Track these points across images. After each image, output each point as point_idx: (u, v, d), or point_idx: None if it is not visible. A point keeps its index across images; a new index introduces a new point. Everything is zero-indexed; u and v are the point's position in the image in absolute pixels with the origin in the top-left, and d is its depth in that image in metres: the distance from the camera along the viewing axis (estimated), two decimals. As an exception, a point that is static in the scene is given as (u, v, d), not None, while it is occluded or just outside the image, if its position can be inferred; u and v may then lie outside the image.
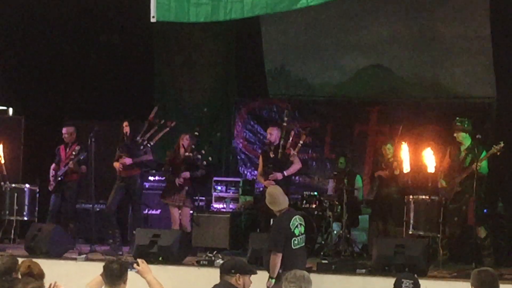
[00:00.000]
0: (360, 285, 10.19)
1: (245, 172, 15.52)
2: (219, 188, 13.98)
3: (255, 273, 6.77)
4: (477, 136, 11.04)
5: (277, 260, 8.60)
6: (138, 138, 12.33)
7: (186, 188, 12.16)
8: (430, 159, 11.15)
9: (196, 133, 12.35)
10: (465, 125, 11.24)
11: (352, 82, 15.19)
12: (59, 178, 12.61)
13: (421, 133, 13.00)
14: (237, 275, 6.56)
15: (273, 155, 11.92)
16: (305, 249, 9.01)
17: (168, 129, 12.49)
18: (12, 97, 14.86)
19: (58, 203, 12.73)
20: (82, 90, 15.37)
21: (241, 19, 9.79)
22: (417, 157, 11.64)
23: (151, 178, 14.13)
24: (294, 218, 8.81)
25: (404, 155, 11.72)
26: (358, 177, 13.43)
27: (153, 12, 9.17)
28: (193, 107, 15.45)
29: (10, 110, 15.06)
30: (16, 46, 14.91)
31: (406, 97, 14.88)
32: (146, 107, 12.74)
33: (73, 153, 12.57)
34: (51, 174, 12.69)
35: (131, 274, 6.78)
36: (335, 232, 12.62)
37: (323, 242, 12.72)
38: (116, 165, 12.34)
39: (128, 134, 12.34)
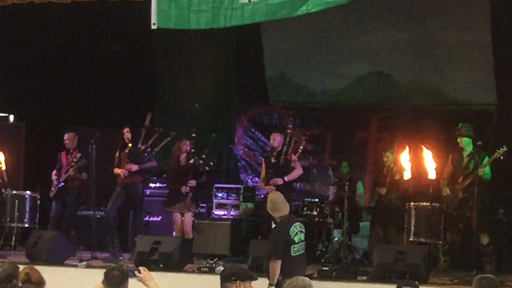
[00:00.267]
0: (361, 292, 10.20)
1: (246, 179, 15.52)
2: (220, 195, 13.98)
3: (256, 279, 6.76)
4: (478, 143, 11.05)
5: (276, 267, 8.59)
6: (139, 145, 12.34)
7: (190, 194, 12.16)
8: (431, 165, 11.14)
9: (193, 135, 12.35)
10: (469, 131, 11.25)
11: (353, 89, 15.20)
12: (60, 185, 12.62)
13: (422, 140, 12.98)
14: (238, 282, 6.55)
15: (275, 161, 11.94)
16: (305, 256, 9.00)
17: (170, 138, 12.53)
18: (13, 104, 14.86)
19: (59, 210, 12.74)
20: (83, 97, 15.38)
21: (242, 26, 9.83)
22: (418, 164, 11.63)
23: (152, 185, 14.13)
24: (294, 225, 8.80)
25: (404, 162, 11.72)
26: (359, 184, 13.44)
27: (154, 19, 9.20)
28: (194, 114, 15.45)
29: (11, 117, 15.07)
30: (17, 53, 14.92)
31: (406, 104, 14.89)
32: (147, 113, 12.74)
33: (74, 159, 12.57)
34: (54, 180, 12.69)
35: (132, 281, 6.78)
36: (336, 239, 12.62)
37: (324, 249, 12.72)
38: (118, 171, 12.34)
39: (129, 140, 12.34)
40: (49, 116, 15.04)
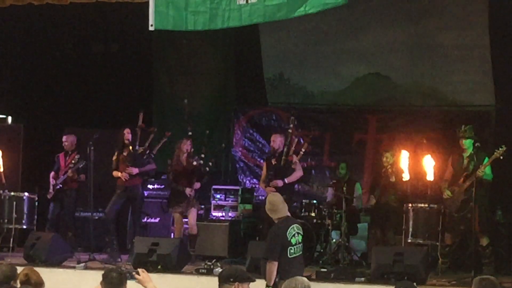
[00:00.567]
0: (359, 293, 10.21)
1: (244, 180, 15.51)
2: (218, 196, 13.97)
3: (254, 281, 6.75)
4: (476, 144, 11.05)
5: (272, 268, 8.58)
6: (137, 147, 12.34)
7: (193, 194, 12.17)
8: (429, 167, 11.14)
9: (190, 133, 12.34)
10: (472, 132, 11.25)
11: (351, 90, 15.19)
12: (58, 186, 12.61)
13: (420, 141, 12.98)
14: (236, 283, 6.55)
15: (275, 162, 11.93)
16: (302, 258, 8.98)
17: (166, 139, 12.52)
18: (11, 105, 14.87)
19: (56, 211, 12.74)
20: (81, 99, 15.38)
21: (240, 27, 9.82)
22: (416, 165, 11.64)
23: (150, 186, 14.12)
24: (291, 227, 8.77)
25: (403, 163, 11.72)
26: (357, 185, 13.43)
27: (151, 20, 9.19)
28: (192, 115, 15.44)
29: (9, 119, 15.06)
30: (15, 54, 14.93)
31: (405, 105, 14.88)
32: (145, 115, 12.74)
33: (73, 161, 12.57)
34: (51, 182, 12.69)
35: (131, 283, 6.77)
36: (334, 240, 12.61)
37: (322, 250, 12.71)
38: (118, 174, 12.32)
39: (129, 140, 12.34)
40: (47, 117, 15.04)
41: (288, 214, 8.99)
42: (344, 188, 12.49)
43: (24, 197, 12.77)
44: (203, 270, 10.94)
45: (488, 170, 10.99)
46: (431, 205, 11.13)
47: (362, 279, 10.41)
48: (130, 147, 12.33)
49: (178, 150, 12.29)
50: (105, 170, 12.57)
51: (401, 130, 14.25)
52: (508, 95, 13.85)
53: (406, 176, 11.73)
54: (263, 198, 14.25)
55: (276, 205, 8.88)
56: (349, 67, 15.16)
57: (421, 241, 11.18)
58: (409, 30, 14.64)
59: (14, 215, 12.49)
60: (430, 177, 11.16)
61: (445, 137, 13.13)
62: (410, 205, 11.34)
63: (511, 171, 11.95)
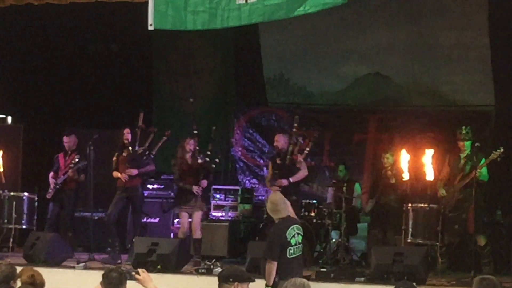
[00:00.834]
0: (359, 293, 10.20)
1: (244, 180, 15.51)
2: (217, 196, 13.97)
3: (253, 280, 6.76)
4: (476, 144, 11.05)
5: (272, 268, 8.57)
6: (137, 147, 12.33)
7: (200, 193, 12.15)
8: (429, 167, 11.15)
9: (195, 131, 12.32)
10: (469, 134, 11.26)
11: (351, 90, 15.20)
12: (57, 186, 12.61)
13: (420, 141, 12.99)
14: (236, 283, 6.55)
15: (280, 162, 11.91)
16: (302, 258, 8.98)
17: (165, 138, 12.50)
18: (11, 105, 14.85)
19: (56, 211, 12.73)
20: (81, 99, 15.38)
21: (240, 27, 9.82)
22: (416, 165, 11.64)
23: (149, 186, 14.12)
24: (291, 227, 8.76)
25: (403, 163, 11.72)
26: (357, 185, 13.45)
27: (150, 20, 9.18)
28: (192, 115, 15.43)
29: (9, 119, 15.06)
30: (15, 54, 14.91)
31: (405, 105, 14.88)
32: (145, 115, 12.73)
33: (72, 161, 12.56)
34: (51, 182, 12.68)
35: (131, 283, 6.77)
36: (333, 240, 12.62)
37: (321, 250, 12.72)
38: (117, 174, 12.31)
39: (129, 141, 12.33)
40: (47, 117, 15.05)
41: (289, 214, 8.95)
42: (344, 188, 12.49)
43: (24, 197, 12.78)
44: (202, 270, 10.93)
45: (484, 171, 10.99)
46: (431, 205, 11.13)
47: (362, 279, 10.41)
48: (129, 148, 12.31)
49: (181, 149, 12.22)
50: (104, 170, 12.56)
51: (401, 130, 14.25)
52: (507, 95, 13.86)
53: (406, 176, 11.73)
54: (263, 198, 14.30)
55: (278, 205, 8.86)
56: (349, 67, 15.16)
57: (420, 241, 11.18)
58: (409, 30, 14.65)
59: (14, 215, 12.51)
60: (430, 177, 11.15)
61: (444, 137, 13.12)
62: (409, 205, 11.34)
63: (511, 171, 11.95)
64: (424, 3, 14.40)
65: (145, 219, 13.75)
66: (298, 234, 8.77)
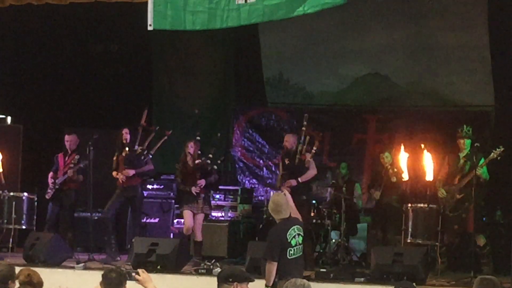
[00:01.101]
0: (358, 293, 10.20)
1: (244, 180, 15.51)
2: (217, 196, 13.96)
3: (252, 280, 6.75)
4: (475, 144, 11.05)
5: (272, 268, 8.56)
6: (136, 147, 12.31)
7: (202, 195, 12.12)
8: (429, 167, 11.14)
9: (198, 138, 12.32)
10: (469, 133, 11.26)
11: (350, 90, 15.21)
12: (57, 187, 12.61)
13: (420, 141, 12.98)
14: (235, 283, 6.54)
15: (288, 162, 11.89)
16: (302, 259, 8.97)
17: (166, 137, 12.49)
18: (10, 105, 14.84)
19: (55, 212, 12.72)
20: (81, 99, 15.37)
21: (239, 27, 9.82)
22: (416, 166, 11.64)
23: (149, 186, 14.12)
24: (292, 228, 8.74)
25: (402, 164, 11.72)
26: (357, 185, 13.45)
27: (150, 20, 9.19)
28: (192, 115, 15.45)
29: (9, 119, 15.04)
30: (15, 54, 14.91)
31: (404, 105, 14.89)
32: (141, 118, 12.72)
33: (72, 161, 12.56)
34: (50, 182, 12.68)
35: (131, 283, 6.77)
36: (333, 240, 12.61)
37: (321, 250, 12.71)
38: (116, 175, 12.31)
39: (128, 141, 12.32)
40: (47, 117, 15.04)
41: (291, 214, 8.92)
42: (344, 189, 12.49)
43: (24, 197, 12.76)
44: (202, 270, 10.92)
45: (484, 169, 10.99)
46: (431, 205, 11.13)
47: (362, 279, 10.40)
48: (127, 148, 12.30)
49: (184, 153, 12.26)
50: (104, 170, 12.56)
51: (400, 130, 14.25)
52: (507, 95, 13.87)
53: (405, 176, 11.73)
54: (263, 198, 14.31)
55: (280, 206, 8.83)
56: (348, 67, 15.18)
57: (420, 241, 11.18)
58: (408, 31, 14.66)
59: (14, 215, 12.48)
60: (429, 177, 11.15)
61: (444, 137, 13.12)
62: (409, 205, 11.33)
63: (511, 171, 11.95)
64: (423, 3, 14.41)
65: (144, 219, 13.75)
66: (298, 235, 8.75)
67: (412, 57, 14.74)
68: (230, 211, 13.87)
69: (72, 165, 12.54)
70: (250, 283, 6.70)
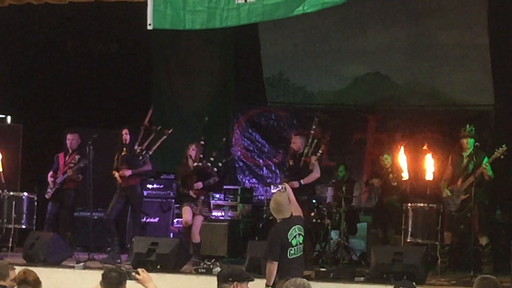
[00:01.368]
0: (358, 293, 10.19)
1: (244, 180, 15.51)
2: (217, 196, 13.95)
3: (252, 280, 6.75)
4: (475, 144, 11.05)
5: (272, 268, 8.56)
6: (136, 147, 12.30)
7: (202, 197, 12.10)
8: (429, 166, 11.14)
9: (202, 142, 12.30)
10: (472, 132, 11.27)
11: (350, 89, 15.21)
12: (57, 186, 12.61)
13: (419, 141, 12.99)
14: (235, 283, 6.55)
15: (292, 163, 11.87)
16: (303, 258, 8.97)
17: (165, 137, 12.47)
18: (10, 105, 14.85)
19: (55, 211, 12.71)
20: (81, 98, 15.37)
21: (239, 27, 9.82)
22: (416, 165, 11.64)
23: (149, 186, 14.11)
24: (293, 228, 8.74)
25: (402, 163, 11.72)
26: (357, 185, 13.45)
27: (149, 20, 9.18)
28: (192, 115, 15.46)
29: (9, 118, 15.05)
30: (14, 54, 14.91)
31: (404, 105, 14.90)
32: (145, 115, 12.72)
33: (73, 161, 12.55)
34: (50, 182, 12.68)
35: (131, 283, 6.78)
36: (333, 240, 12.61)
37: (321, 250, 12.71)
38: (116, 174, 12.31)
39: (127, 141, 12.32)
40: (47, 117, 15.04)
41: (293, 214, 8.90)
42: (344, 188, 12.49)
43: (23, 197, 12.76)
44: (202, 270, 10.92)
45: (489, 167, 10.99)
46: (431, 205, 11.12)
47: (362, 278, 10.40)
48: (124, 149, 12.30)
49: (185, 155, 12.25)
50: (104, 170, 12.56)
51: (400, 130, 14.25)
52: (507, 94, 13.87)
53: (405, 176, 11.73)
54: (262, 198, 14.30)
55: (282, 206, 8.82)
56: (348, 66, 15.18)
57: (420, 241, 11.18)
58: (408, 30, 14.67)
59: (13, 215, 12.48)
60: (429, 176, 11.15)
61: (444, 136, 13.13)
62: (409, 204, 11.33)
63: (511, 170, 11.95)
64: (423, 2, 14.42)
65: (144, 219, 13.75)
66: (299, 234, 8.75)
67: (412, 56, 14.75)
68: (230, 210, 13.87)
69: (72, 165, 12.54)
70: (250, 283, 6.70)
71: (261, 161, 15.51)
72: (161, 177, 14.37)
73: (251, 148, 15.62)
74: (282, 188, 9.80)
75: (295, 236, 8.70)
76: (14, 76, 14.94)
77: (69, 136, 12.83)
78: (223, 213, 13.81)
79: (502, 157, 10.74)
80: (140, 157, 12.24)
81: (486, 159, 10.92)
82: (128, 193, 12.29)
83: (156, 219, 14.04)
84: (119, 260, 11.91)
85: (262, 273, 8.95)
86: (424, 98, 14.76)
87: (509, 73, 13.78)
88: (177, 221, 13.91)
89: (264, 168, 15.52)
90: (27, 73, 15.10)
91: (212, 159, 12.21)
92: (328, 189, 13.73)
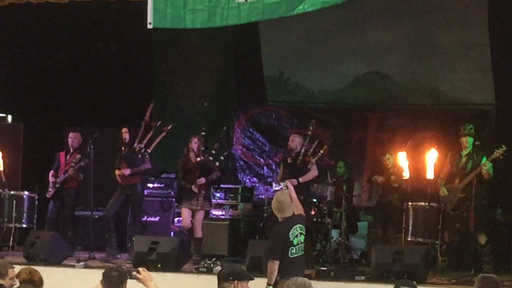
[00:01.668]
0: (359, 292, 10.19)
1: (244, 179, 15.51)
2: (218, 195, 13.93)
3: (252, 279, 6.76)
4: (476, 143, 11.05)
5: (274, 267, 8.56)
6: (135, 144, 12.29)
7: (203, 192, 12.11)
8: (430, 165, 11.14)
9: (203, 133, 12.29)
10: (472, 131, 11.26)
11: (351, 88, 15.20)
12: (57, 185, 12.61)
13: (420, 140, 12.99)
14: (235, 282, 6.55)
15: (291, 161, 11.88)
16: (304, 257, 8.97)
17: (164, 133, 12.46)
18: (11, 104, 14.86)
19: (56, 210, 12.73)
20: (81, 97, 15.38)
21: (240, 26, 9.82)
22: (416, 164, 11.63)
23: (150, 185, 14.10)
24: (294, 227, 8.73)
25: (402, 162, 11.72)
26: (357, 184, 13.44)
27: (150, 18, 9.20)
28: (192, 114, 15.46)
29: (9, 117, 15.07)
30: (15, 53, 14.92)
31: (405, 104, 14.88)
32: (145, 113, 12.72)
33: (74, 160, 12.56)
34: (51, 181, 12.68)
35: (131, 282, 6.78)
36: (334, 239, 12.61)
37: (322, 249, 12.70)
38: (117, 173, 12.32)
39: (127, 140, 12.32)
40: (47, 116, 15.05)
41: (295, 213, 8.90)
42: (344, 187, 12.49)
43: (24, 196, 12.78)
44: (203, 269, 10.93)
45: (490, 166, 10.97)
46: (431, 204, 11.13)
47: (362, 277, 10.39)
48: (123, 148, 12.31)
49: (187, 148, 12.25)
50: (105, 169, 12.56)
51: (401, 129, 14.24)
52: (508, 93, 13.85)
53: (406, 175, 11.73)
54: (263, 197, 14.30)
55: (284, 205, 8.82)
56: (349, 65, 15.17)
57: (420, 240, 11.18)
58: (409, 29, 14.66)
59: (14, 214, 12.50)
60: (430, 175, 11.15)
61: (444, 135, 13.12)
62: (410, 203, 11.34)
63: (511, 170, 11.95)
64: (424, 1, 14.41)
65: (145, 218, 13.74)
66: (300, 234, 8.75)
67: (412, 55, 14.74)
68: (231, 209, 13.85)
69: (73, 164, 12.55)
70: (251, 282, 6.71)
71: (261, 160, 15.50)
72: (162, 176, 14.37)
73: (252, 147, 15.61)
74: (284, 186, 9.82)
75: (296, 235, 8.70)
76: (15, 75, 14.95)
77: (71, 135, 12.85)
78: (223, 212, 13.80)
79: (501, 157, 10.73)
80: (139, 156, 12.24)
81: (484, 159, 10.92)
82: (128, 192, 12.30)
83: (157, 218, 14.03)
84: (118, 256, 11.93)
85: (263, 272, 8.95)
86: (424, 97, 14.74)
87: (510, 72, 13.77)
88: (178, 220, 13.92)
89: (265, 167, 15.51)
90: (28, 72, 15.10)
91: (213, 151, 12.21)
92: (328, 188, 13.73)
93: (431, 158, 11.16)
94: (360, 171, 14.68)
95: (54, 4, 11.05)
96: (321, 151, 12.12)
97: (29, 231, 12.37)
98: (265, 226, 12.49)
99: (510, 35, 13.62)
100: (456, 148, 11.47)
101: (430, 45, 14.55)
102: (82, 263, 11.25)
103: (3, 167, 12.85)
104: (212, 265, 10.96)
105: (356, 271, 10.71)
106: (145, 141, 12.29)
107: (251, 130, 15.67)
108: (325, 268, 10.95)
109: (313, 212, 12.82)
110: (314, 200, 13.03)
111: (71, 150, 12.82)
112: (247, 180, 15.48)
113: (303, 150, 11.90)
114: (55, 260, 11.47)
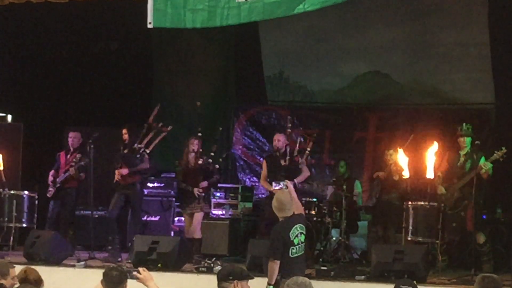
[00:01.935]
0: (359, 291, 10.19)
1: (244, 178, 15.52)
2: (218, 194, 13.95)
3: (252, 278, 6.76)
4: (476, 142, 11.05)
5: (274, 267, 8.56)
6: (136, 145, 12.28)
7: (203, 194, 12.11)
8: (430, 165, 11.14)
9: (199, 134, 12.29)
10: (469, 131, 11.26)
11: (351, 88, 15.21)
12: (58, 185, 12.61)
13: (420, 140, 12.99)
14: (235, 281, 6.55)
15: (285, 163, 11.86)
16: (304, 257, 8.98)
17: (165, 134, 12.45)
18: (11, 104, 14.86)
19: (56, 210, 12.73)
20: (81, 97, 15.38)
21: (240, 25, 9.82)
22: (416, 163, 11.63)
23: (150, 184, 14.11)
24: (295, 227, 8.74)
25: (402, 162, 11.72)
26: (357, 183, 13.44)
27: (150, 18, 9.21)
28: (192, 114, 15.44)
29: (9, 117, 15.07)
30: (15, 53, 14.92)
31: (405, 103, 14.89)
32: (145, 113, 12.73)
33: (74, 160, 12.56)
34: (50, 180, 12.69)
35: (131, 281, 6.78)
36: (334, 238, 12.61)
37: (322, 248, 12.71)
38: (116, 173, 12.32)
39: (127, 141, 12.32)
40: (47, 116, 15.05)
41: (295, 212, 8.91)
42: (344, 186, 12.49)
43: (24, 196, 12.77)
44: (203, 269, 10.93)
45: (490, 165, 10.97)
46: (431, 203, 11.12)
47: (362, 277, 10.40)
48: (122, 148, 12.31)
49: (186, 150, 12.22)
50: (105, 168, 12.57)
51: (401, 128, 14.24)
52: (508, 93, 13.86)
53: (406, 174, 11.73)
54: (263, 196, 14.30)
55: (284, 205, 8.82)
56: (349, 65, 15.17)
57: (421, 239, 11.18)
58: (409, 28, 14.66)
59: (14, 213, 12.49)
60: (430, 175, 11.14)
61: (444, 135, 13.11)
62: (410, 203, 11.33)
63: (511, 169, 11.95)
64: (424, 1, 14.42)
65: (145, 217, 13.76)
66: (301, 233, 8.75)
67: (412, 55, 14.74)
68: (231, 209, 13.86)
69: (73, 163, 12.55)
70: (251, 281, 6.71)
71: (261, 159, 15.47)
72: (162, 175, 14.37)
73: (252, 147, 15.62)
74: (284, 185, 9.82)
75: (297, 235, 8.71)
76: (15, 75, 14.94)
77: (71, 134, 12.85)
78: (223, 212, 13.81)
79: (501, 159, 10.72)
80: (138, 155, 12.23)
81: (483, 159, 10.91)
82: (127, 191, 12.29)
83: (157, 218, 14.04)
84: (119, 259, 11.92)
85: (264, 271, 8.95)
86: (424, 97, 14.75)
87: (510, 71, 13.78)
88: (178, 220, 13.93)
89: (265, 167, 15.50)
90: (28, 72, 15.10)
91: (212, 154, 12.21)
92: (328, 187, 13.74)
93: (431, 153, 11.11)
94: (360, 171, 14.69)
95: (54, 4, 11.05)
96: (308, 148, 12.11)
97: (29, 230, 12.36)
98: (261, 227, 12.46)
99: (510, 35, 13.63)
100: (455, 147, 11.47)
101: (430, 45, 14.56)
102: (82, 263, 11.26)
103: (3, 167, 12.84)
104: (212, 265, 10.96)
105: (356, 271, 10.71)
106: (145, 142, 12.28)
107: (251, 129, 15.68)
108: (325, 268, 10.94)
109: (313, 212, 12.83)
110: (314, 199, 13.04)
111: (71, 149, 12.82)
112: (247, 180, 15.49)
113: (289, 150, 11.86)
114: (55, 260, 11.46)
